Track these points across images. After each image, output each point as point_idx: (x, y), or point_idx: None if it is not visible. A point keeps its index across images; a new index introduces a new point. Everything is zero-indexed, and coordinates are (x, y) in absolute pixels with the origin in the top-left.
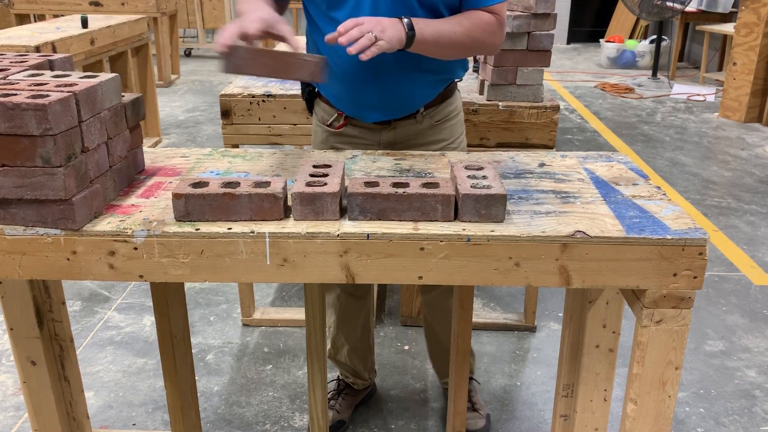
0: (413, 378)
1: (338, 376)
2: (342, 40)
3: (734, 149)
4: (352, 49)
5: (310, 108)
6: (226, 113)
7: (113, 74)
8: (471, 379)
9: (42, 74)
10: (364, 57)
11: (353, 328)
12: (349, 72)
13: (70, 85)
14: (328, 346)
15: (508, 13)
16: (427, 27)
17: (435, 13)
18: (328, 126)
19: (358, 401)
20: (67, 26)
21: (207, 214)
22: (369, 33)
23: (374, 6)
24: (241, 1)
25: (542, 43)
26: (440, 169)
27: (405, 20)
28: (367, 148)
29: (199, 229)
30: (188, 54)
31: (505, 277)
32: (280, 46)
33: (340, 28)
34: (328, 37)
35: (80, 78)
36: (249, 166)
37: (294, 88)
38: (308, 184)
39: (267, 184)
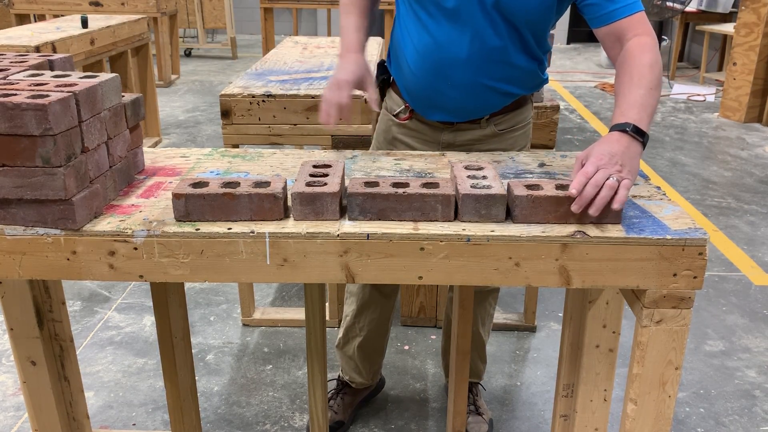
0: (413, 378)
1: (338, 375)
2: (574, 208)
3: (734, 149)
4: (592, 211)
5: (382, 96)
6: (226, 113)
7: (113, 74)
8: (477, 383)
9: (42, 74)
10: (617, 206)
11: (371, 321)
12: (423, 70)
13: (70, 85)
14: (339, 335)
15: None
16: (645, 114)
17: (518, 28)
18: (394, 116)
19: (358, 401)
20: (67, 26)
21: (207, 214)
22: (608, 180)
23: (465, 11)
24: (343, 28)
25: None
26: (440, 169)
27: (629, 128)
28: (427, 145)
29: (199, 229)
30: (188, 54)
31: (505, 277)
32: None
33: (572, 189)
34: (574, 207)
35: (80, 78)
36: (249, 166)
37: (294, 88)
38: (308, 184)
39: (267, 184)
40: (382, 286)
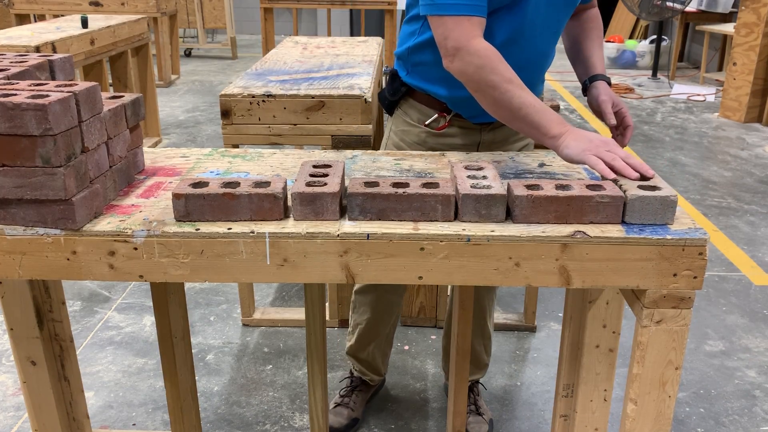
0: (413, 378)
1: (351, 372)
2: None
3: (734, 149)
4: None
5: (392, 108)
6: (226, 113)
7: (93, 83)
8: (478, 383)
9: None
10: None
11: (385, 327)
12: None
13: (70, 85)
14: (350, 343)
15: None
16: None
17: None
18: (425, 126)
19: (369, 397)
20: (67, 26)
21: (207, 214)
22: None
23: (529, 13)
24: (536, 104)
25: None
26: (440, 169)
27: (608, 79)
28: (466, 149)
29: (199, 229)
30: (188, 54)
31: (505, 277)
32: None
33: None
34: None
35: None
36: (249, 166)
37: (294, 88)
38: (308, 184)
39: (267, 184)
40: (394, 290)
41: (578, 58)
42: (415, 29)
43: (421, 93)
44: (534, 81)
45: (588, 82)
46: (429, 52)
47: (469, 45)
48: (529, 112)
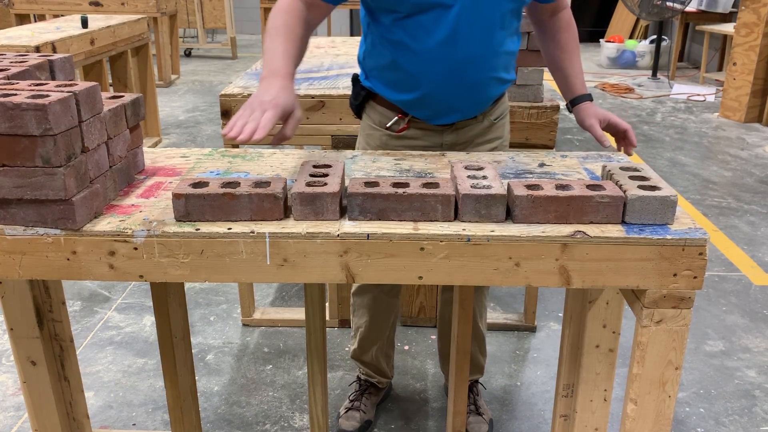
0: (413, 378)
1: (358, 377)
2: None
3: (734, 149)
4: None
5: (359, 112)
6: (226, 113)
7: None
8: (477, 382)
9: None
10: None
11: (385, 328)
12: (435, 77)
13: (70, 85)
14: (353, 347)
15: None
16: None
17: (519, 14)
18: (386, 129)
19: (380, 400)
20: (67, 26)
21: (207, 214)
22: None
23: (465, 9)
24: (269, 51)
25: None
26: (440, 169)
27: (591, 97)
28: (429, 150)
29: (199, 229)
30: (188, 54)
31: (505, 277)
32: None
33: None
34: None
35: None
36: (249, 166)
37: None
38: (308, 184)
39: (267, 184)
40: (390, 289)
41: (556, 75)
42: (365, 33)
43: (380, 96)
44: (484, 79)
45: (570, 106)
46: (375, 56)
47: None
48: (264, 57)
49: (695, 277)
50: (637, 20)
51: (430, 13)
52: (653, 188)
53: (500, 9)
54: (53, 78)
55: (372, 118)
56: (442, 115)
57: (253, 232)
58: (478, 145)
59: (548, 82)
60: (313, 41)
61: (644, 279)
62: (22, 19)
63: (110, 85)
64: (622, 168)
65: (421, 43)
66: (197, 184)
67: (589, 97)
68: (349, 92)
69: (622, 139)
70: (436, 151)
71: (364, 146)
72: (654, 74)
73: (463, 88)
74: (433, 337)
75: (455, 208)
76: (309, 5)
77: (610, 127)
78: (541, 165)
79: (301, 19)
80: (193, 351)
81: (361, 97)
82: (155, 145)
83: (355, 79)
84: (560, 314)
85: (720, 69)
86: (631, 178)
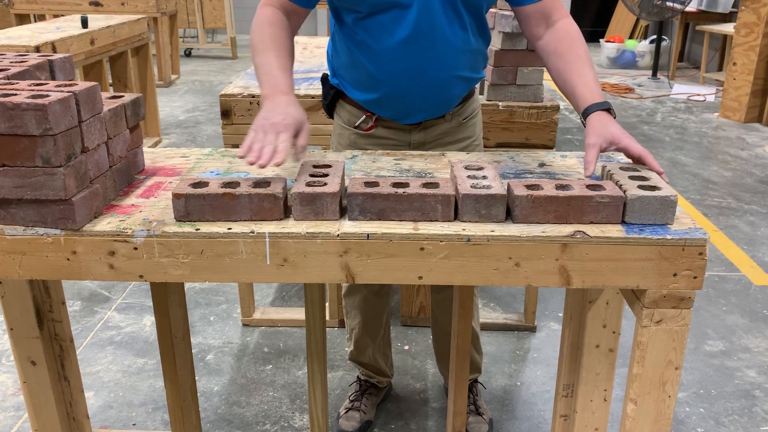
0: (413, 378)
1: (358, 377)
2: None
3: (734, 149)
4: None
5: (331, 111)
6: (226, 113)
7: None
8: (477, 382)
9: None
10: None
11: (378, 328)
12: (396, 77)
13: (70, 85)
14: (350, 348)
15: (507, 13)
16: (599, 88)
17: (478, 14)
18: (355, 128)
19: (380, 400)
20: (67, 26)
21: (207, 214)
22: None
23: (424, 8)
24: (264, 66)
25: None
26: (440, 169)
27: (605, 107)
28: (398, 149)
29: (199, 229)
30: (188, 54)
31: (505, 277)
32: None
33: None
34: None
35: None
36: (249, 166)
37: (296, 89)
38: (308, 184)
39: (267, 184)
40: (379, 289)
41: (565, 90)
42: (332, 33)
43: (348, 96)
44: (447, 77)
45: (583, 120)
46: (340, 56)
47: (258, 9)
48: (259, 73)
49: (695, 277)
50: (637, 20)
51: (389, 13)
52: (653, 188)
53: (459, 8)
54: (53, 78)
55: (341, 117)
56: (407, 115)
57: (253, 232)
58: (447, 144)
59: (548, 82)
60: (314, 41)
61: (644, 279)
62: (22, 19)
63: (110, 85)
64: (622, 168)
65: (381, 42)
66: (197, 184)
67: (601, 106)
68: None
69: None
70: (404, 149)
71: (336, 146)
72: (654, 74)
73: (425, 88)
74: None
75: (455, 208)
76: (288, 13)
77: (623, 152)
78: (541, 165)
79: (286, 29)
80: (193, 351)
81: (330, 96)
82: (155, 145)
83: (324, 78)
84: (560, 314)
85: (720, 69)
86: (631, 178)
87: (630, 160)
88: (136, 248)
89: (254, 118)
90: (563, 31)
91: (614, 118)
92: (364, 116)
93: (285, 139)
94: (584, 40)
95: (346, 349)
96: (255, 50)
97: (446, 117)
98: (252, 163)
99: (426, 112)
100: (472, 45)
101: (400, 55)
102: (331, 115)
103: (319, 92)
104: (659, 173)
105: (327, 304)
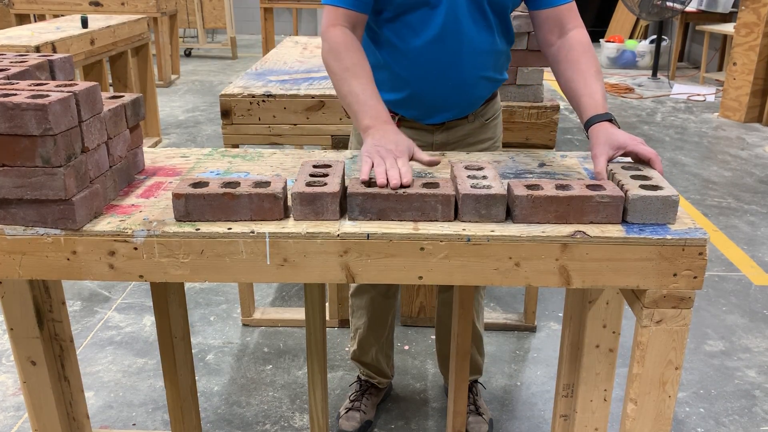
0: (413, 378)
1: (358, 377)
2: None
3: (734, 149)
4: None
5: None
6: (226, 113)
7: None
8: (477, 382)
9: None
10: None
11: (383, 329)
12: (422, 77)
13: (70, 85)
14: (353, 348)
15: None
16: (605, 101)
17: (503, 14)
18: None
19: (380, 400)
20: (67, 26)
21: (207, 214)
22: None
23: (451, 9)
24: (359, 94)
25: None
26: (440, 169)
27: (608, 118)
28: (421, 149)
29: (199, 229)
30: (188, 54)
31: (505, 277)
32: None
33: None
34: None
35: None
36: (249, 166)
37: (294, 88)
38: (308, 184)
39: (267, 184)
40: (387, 290)
41: (571, 98)
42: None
43: None
44: (473, 78)
45: (586, 131)
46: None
47: (327, 31)
48: (351, 101)
49: (695, 277)
50: (637, 20)
51: (416, 13)
52: (655, 188)
53: (486, 8)
54: (53, 78)
55: None
56: (431, 115)
57: (253, 232)
58: (469, 145)
59: (548, 82)
60: (314, 41)
61: (644, 279)
62: (22, 19)
63: (110, 85)
64: (623, 167)
65: (408, 43)
66: (197, 184)
67: (603, 117)
68: None
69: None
70: (426, 150)
71: (356, 145)
72: (654, 74)
73: (451, 88)
74: (434, 337)
75: (455, 208)
76: (354, 26)
77: (632, 157)
78: (541, 165)
79: (361, 51)
80: (193, 351)
81: None
82: (155, 145)
83: None
84: (560, 314)
85: (720, 69)
86: (633, 177)
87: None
88: (136, 248)
89: (364, 147)
90: (575, 41)
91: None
92: None
93: (406, 163)
94: (595, 52)
95: (347, 348)
96: (338, 78)
97: (469, 118)
98: (382, 186)
99: (450, 113)
100: (497, 46)
101: (426, 56)
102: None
103: (320, 92)
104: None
105: (327, 304)
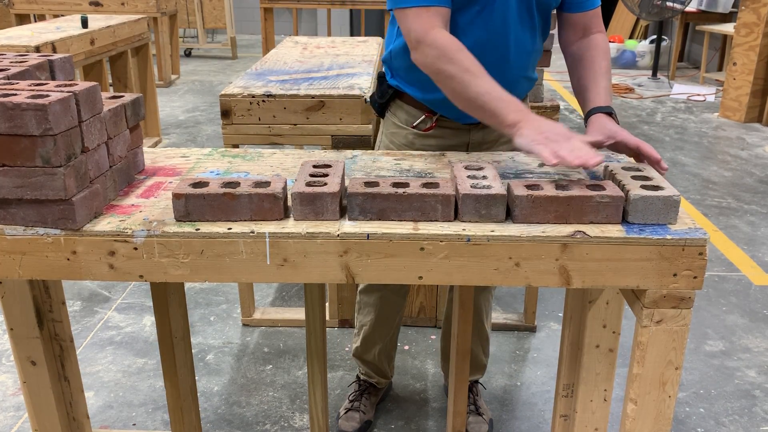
0: (413, 378)
1: (357, 377)
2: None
3: (734, 149)
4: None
5: (382, 111)
6: (226, 113)
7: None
8: (477, 382)
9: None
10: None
11: (389, 328)
12: None
13: (70, 85)
14: (356, 345)
15: None
16: (609, 97)
17: (547, 14)
18: (413, 128)
19: (379, 400)
20: (67, 26)
21: (207, 214)
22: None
23: (501, 9)
24: (483, 93)
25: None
26: (440, 169)
27: (609, 111)
28: (455, 149)
29: (199, 229)
30: (188, 54)
31: (505, 277)
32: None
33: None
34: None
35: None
36: (249, 166)
37: (294, 88)
38: (308, 184)
39: (267, 184)
40: (399, 288)
41: (577, 93)
42: (393, 32)
43: (407, 95)
44: (515, 78)
45: (585, 122)
46: (405, 56)
47: (427, 36)
48: (486, 101)
49: (695, 277)
50: (637, 20)
51: (466, 12)
52: (656, 188)
53: (533, 9)
54: (53, 78)
55: (398, 117)
56: (469, 115)
57: (253, 232)
58: (503, 144)
59: (548, 82)
60: (313, 41)
61: (644, 279)
62: (22, 19)
63: (110, 85)
64: (624, 168)
65: None
66: (197, 184)
67: (603, 110)
68: (350, 92)
69: (637, 157)
70: (461, 149)
71: (387, 145)
72: (654, 74)
73: None
74: (434, 337)
75: (455, 208)
76: (446, 25)
77: (621, 147)
78: (541, 165)
79: (466, 49)
80: (193, 351)
81: (387, 96)
82: (155, 145)
83: (380, 77)
84: (560, 314)
85: (720, 69)
86: (634, 177)
87: (632, 159)
88: (136, 248)
89: (526, 138)
90: (594, 43)
91: (617, 123)
92: (423, 116)
93: (586, 141)
94: (610, 57)
95: (347, 348)
96: (459, 81)
97: None
98: (581, 165)
99: None
100: (537, 45)
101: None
102: (381, 115)
103: (319, 92)
104: (657, 160)
105: (327, 304)
